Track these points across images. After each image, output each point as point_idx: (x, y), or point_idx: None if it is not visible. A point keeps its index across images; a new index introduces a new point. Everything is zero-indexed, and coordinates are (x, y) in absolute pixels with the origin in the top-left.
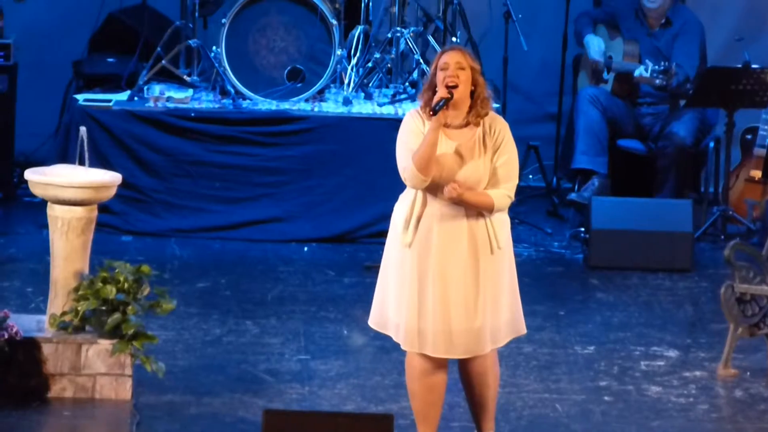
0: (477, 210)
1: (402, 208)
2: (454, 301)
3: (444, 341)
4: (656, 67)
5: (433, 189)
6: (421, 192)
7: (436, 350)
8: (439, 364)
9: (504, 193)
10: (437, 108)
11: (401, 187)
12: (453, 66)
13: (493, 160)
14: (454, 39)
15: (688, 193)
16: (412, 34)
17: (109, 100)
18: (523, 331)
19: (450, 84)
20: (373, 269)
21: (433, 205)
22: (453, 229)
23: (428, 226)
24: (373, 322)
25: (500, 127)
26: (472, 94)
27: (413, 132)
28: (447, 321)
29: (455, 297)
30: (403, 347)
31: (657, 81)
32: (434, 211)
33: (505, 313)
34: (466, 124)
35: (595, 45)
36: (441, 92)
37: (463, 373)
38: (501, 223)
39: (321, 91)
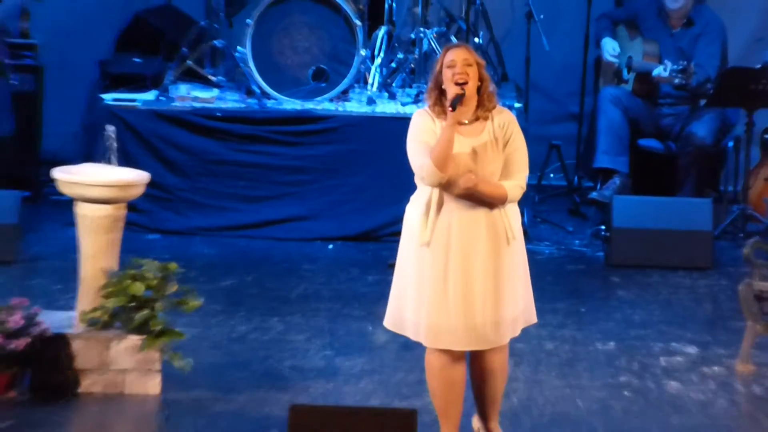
0: (490, 201)
1: (416, 208)
2: (477, 294)
3: (467, 335)
4: (675, 66)
5: (448, 187)
6: (437, 191)
7: (459, 344)
8: (458, 359)
9: (516, 184)
10: (455, 103)
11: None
12: (461, 63)
13: (504, 152)
14: (476, 39)
15: (708, 192)
16: (435, 35)
17: (135, 100)
18: (535, 320)
19: (460, 81)
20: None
21: (450, 203)
22: (471, 224)
23: (446, 223)
24: (389, 323)
25: (508, 121)
26: (478, 90)
27: (426, 130)
28: (470, 315)
29: (478, 290)
30: (425, 344)
31: (676, 80)
32: (451, 208)
33: (520, 302)
34: (476, 119)
35: (609, 47)
36: (454, 89)
37: (478, 367)
38: (515, 215)
39: (345, 91)
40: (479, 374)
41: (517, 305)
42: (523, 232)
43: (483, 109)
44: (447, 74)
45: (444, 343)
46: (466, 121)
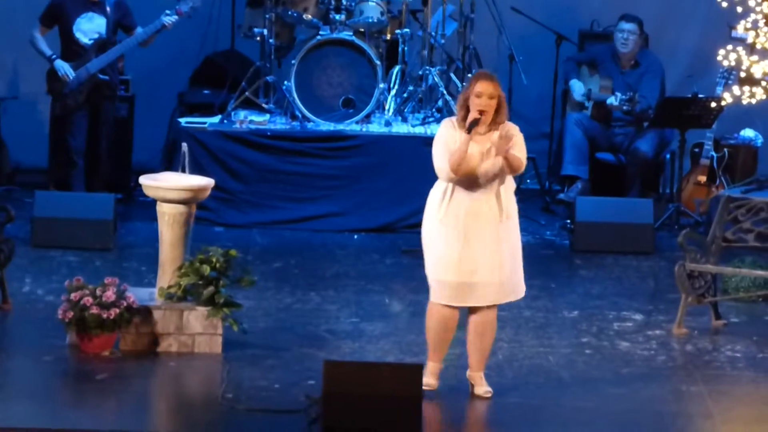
0: (515, 165)
1: (436, 193)
2: (475, 261)
3: (462, 294)
4: (624, 96)
5: (461, 181)
6: (451, 183)
7: (456, 300)
8: (453, 311)
9: (522, 160)
10: (470, 128)
11: (430, 189)
12: (486, 96)
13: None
14: (470, 75)
15: (650, 194)
16: (438, 72)
17: (205, 123)
18: (522, 294)
19: (482, 112)
20: (409, 253)
21: (460, 192)
22: (475, 207)
23: (457, 205)
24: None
25: (510, 127)
26: (496, 111)
27: (449, 137)
28: (468, 277)
29: (477, 258)
30: (435, 300)
31: (624, 107)
32: (462, 196)
33: (509, 272)
34: (489, 131)
35: (577, 89)
36: (474, 114)
37: (471, 323)
38: (510, 200)
39: (368, 116)
40: (471, 327)
41: (504, 274)
42: (517, 223)
43: (494, 124)
44: (474, 101)
45: (444, 299)
46: (481, 131)
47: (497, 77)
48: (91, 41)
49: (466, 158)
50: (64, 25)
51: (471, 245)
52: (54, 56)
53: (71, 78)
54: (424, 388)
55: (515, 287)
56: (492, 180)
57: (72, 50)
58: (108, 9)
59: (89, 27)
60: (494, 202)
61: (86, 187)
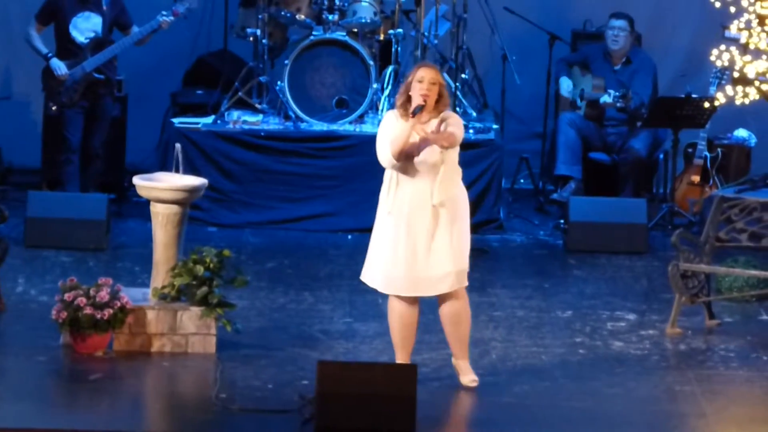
0: (447, 142)
1: (384, 185)
2: (419, 251)
3: (411, 283)
4: (617, 94)
5: (404, 169)
6: (396, 173)
7: (406, 290)
8: (412, 304)
9: (455, 134)
10: (415, 113)
11: None
12: (427, 81)
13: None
14: (463, 75)
15: (643, 194)
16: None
17: (198, 123)
18: (465, 282)
19: (424, 96)
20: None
21: (404, 182)
22: (419, 197)
23: (402, 195)
24: (364, 277)
25: (450, 115)
26: (437, 100)
27: (392, 127)
28: (413, 267)
29: (420, 248)
30: (380, 290)
31: (618, 104)
32: (406, 186)
33: (451, 262)
34: (430, 119)
35: (564, 85)
36: (417, 101)
37: (441, 314)
38: (452, 186)
39: (361, 116)
40: (444, 319)
41: (452, 261)
42: (466, 206)
43: (435, 112)
44: (416, 87)
45: (393, 290)
46: (422, 120)
47: (437, 67)
48: (87, 40)
49: (408, 143)
50: (60, 24)
51: (415, 235)
52: (50, 54)
53: (66, 76)
54: None
55: (464, 273)
56: (432, 167)
57: (68, 48)
58: (104, 7)
59: (85, 25)
60: (437, 189)
61: (80, 184)
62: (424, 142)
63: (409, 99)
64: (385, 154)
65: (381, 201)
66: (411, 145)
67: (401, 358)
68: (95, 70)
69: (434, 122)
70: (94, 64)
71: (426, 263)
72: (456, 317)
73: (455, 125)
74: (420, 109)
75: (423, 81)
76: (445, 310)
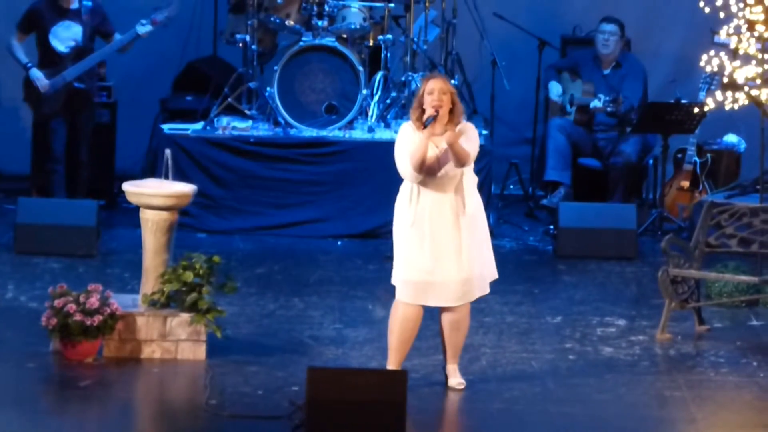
0: (461, 155)
1: (404, 197)
2: (443, 259)
3: (434, 292)
4: (607, 98)
5: (425, 182)
6: (416, 185)
7: (427, 299)
8: (417, 311)
9: (468, 152)
10: (427, 123)
11: None
12: (438, 92)
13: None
14: (452, 81)
15: (633, 199)
16: (421, 78)
17: (188, 129)
18: (496, 275)
19: (436, 106)
20: (392, 259)
21: (425, 193)
22: (440, 208)
23: (423, 207)
24: (396, 282)
25: (468, 127)
26: (451, 110)
27: (409, 139)
28: (437, 275)
29: (444, 256)
30: (400, 298)
31: (608, 108)
32: (426, 198)
33: (477, 268)
34: (446, 131)
35: (554, 90)
36: (429, 111)
37: (443, 319)
38: (471, 196)
39: (350, 122)
40: (445, 324)
41: (468, 272)
42: (483, 215)
43: (451, 123)
44: (427, 99)
45: (409, 298)
46: (438, 132)
47: (447, 78)
48: (68, 49)
49: (427, 155)
50: (40, 33)
51: (435, 245)
52: (30, 64)
53: (45, 86)
54: None
55: (482, 284)
56: (452, 179)
57: (49, 58)
58: (84, 16)
59: (66, 35)
60: (456, 199)
61: (67, 194)
62: (445, 157)
63: (423, 112)
64: (405, 168)
65: (400, 212)
66: (432, 160)
67: (394, 362)
68: (76, 79)
69: (449, 134)
70: (75, 73)
71: (452, 272)
72: (457, 323)
73: (471, 140)
74: (432, 119)
75: (433, 92)
76: (448, 316)
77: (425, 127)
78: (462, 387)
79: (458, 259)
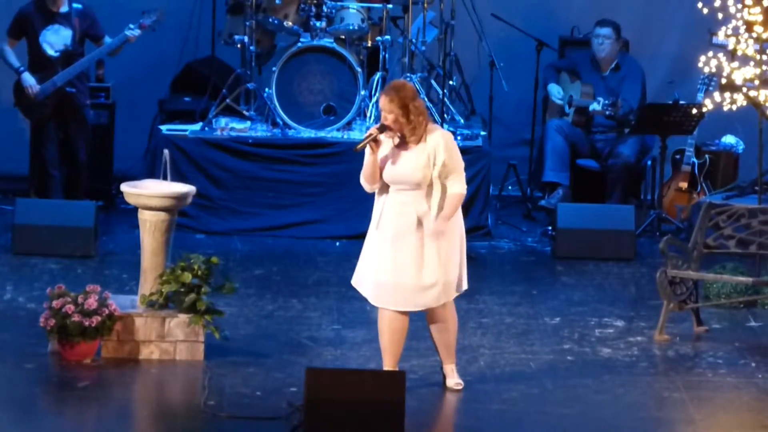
0: (457, 210)
1: (376, 202)
2: (406, 265)
3: (400, 297)
4: (606, 102)
5: (386, 188)
6: (381, 191)
7: (395, 304)
8: (402, 312)
9: (458, 180)
10: (362, 147)
11: None
12: (384, 111)
13: (436, 162)
14: (451, 82)
15: (631, 200)
16: (419, 79)
17: (186, 130)
18: (452, 295)
19: (378, 127)
20: None
21: (390, 198)
22: (404, 217)
23: (389, 211)
24: (355, 283)
25: (435, 138)
26: (408, 121)
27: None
28: (400, 281)
29: (406, 262)
30: (372, 303)
31: (607, 112)
32: (392, 202)
33: (440, 276)
34: (412, 142)
35: (555, 92)
36: (371, 130)
37: (427, 321)
38: (439, 202)
39: (349, 123)
40: (430, 326)
41: (432, 276)
42: (458, 225)
43: (412, 137)
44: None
45: (382, 302)
46: (398, 143)
47: (395, 92)
48: (58, 53)
49: (373, 169)
50: (30, 37)
51: (402, 250)
52: (22, 69)
53: (36, 91)
54: None
55: (451, 286)
56: (416, 185)
57: (39, 62)
58: (74, 20)
59: (55, 39)
60: (421, 208)
61: (65, 196)
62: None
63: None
64: (361, 180)
65: (372, 217)
66: (373, 166)
67: (389, 364)
68: (67, 84)
69: (414, 147)
70: (65, 77)
71: (412, 277)
72: (442, 324)
73: (451, 157)
74: (373, 139)
75: (383, 111)
76: (431, 318)
77: (362, 147)
78: (460, 387)
79: (417, 267)
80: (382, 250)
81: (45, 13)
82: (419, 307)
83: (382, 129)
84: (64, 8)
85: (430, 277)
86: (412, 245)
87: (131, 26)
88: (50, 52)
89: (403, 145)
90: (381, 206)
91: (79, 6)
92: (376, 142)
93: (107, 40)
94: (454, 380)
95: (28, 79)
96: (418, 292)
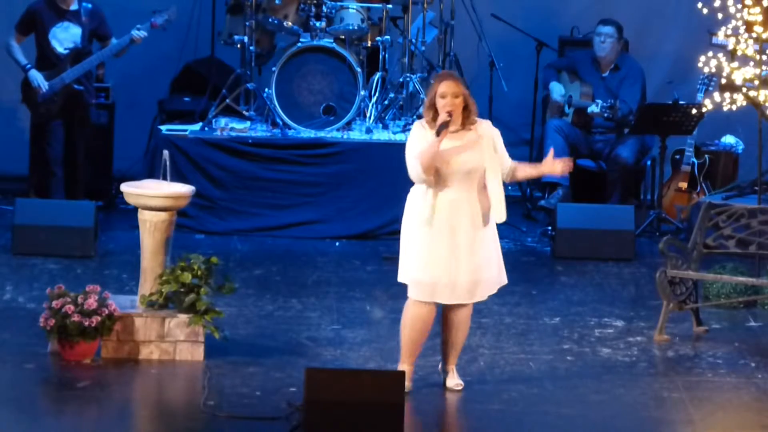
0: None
1: (417, 195)
2: (455, 258)
3: (445, 291)
4: (605, 104)
5: (440, 180)
6: (431, 184)
7: (440, 297)
8: (430, 310)
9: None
10: (440, 130)
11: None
12: (450, 95)
13: (496, 148)
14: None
15: (630, 200)
16: (418, 79)
17: (186, 130)
18: (505, 281)
19: (448, 112)
20: (390, 260)
21: (439, 194)
22: (456, 209)
23: (436, 205)
24: (403, 279)
25: (487, 128)
26: (465, 109)
27: (421, 138)
28: (449, 274)
29: (456, 255)
30: (421, 298)
31: (605, 114)
32: (445, 196)
33: (493, 269)
34: (462, 128)
35: (557, 90)
36: (442, 117)
37: (447, 319)
38: (487, 205)
39: (348, 123)
40: (448, 325)
41: (481, 272)
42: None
43: (467, 122)
44: (440, 102)
45: (421, 296)
46: (452, 130)
47: (459, 76)
48: (67, 51)
49: (437, 158)
50: (39, 34)
51: (448, 244)
52: (28, 66)
53: (44, 89)
54: None
55: (491, 284)
56: (467, 174)
57: (47, 59)
58: (83, 18)
59: (64, 36)
60: (474, 200)
61: (66, 196)
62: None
63: (436, 113)
64: (413, 169)
65: (413, 210)
66: (442, 154)
67: (405, 360)
68: (74, 81)
69: (466, 135)
70: (74, 75)
71: (463, 273)
72: (460, 323)
73: (501, 142)
74: (444, 126)
75: (446, 96)
76: (452, 316)
77: (438, 133)
78: (460, 388)
79: (471, 260)
80: (437, 245)
81: (55, 10)
82: (468, 300)
83: (450, 115)
84: (74, 6)
85: (480, 271)
86: (465, 239)
87: (138, 27)
88: (59, 49)
89: (454, 136)
90: (427, 200)
91: (89, 5)
92: (446, 128)
93: (113, 41)
94: (454, 381)
95: (36, 77)
96: (470, 286)
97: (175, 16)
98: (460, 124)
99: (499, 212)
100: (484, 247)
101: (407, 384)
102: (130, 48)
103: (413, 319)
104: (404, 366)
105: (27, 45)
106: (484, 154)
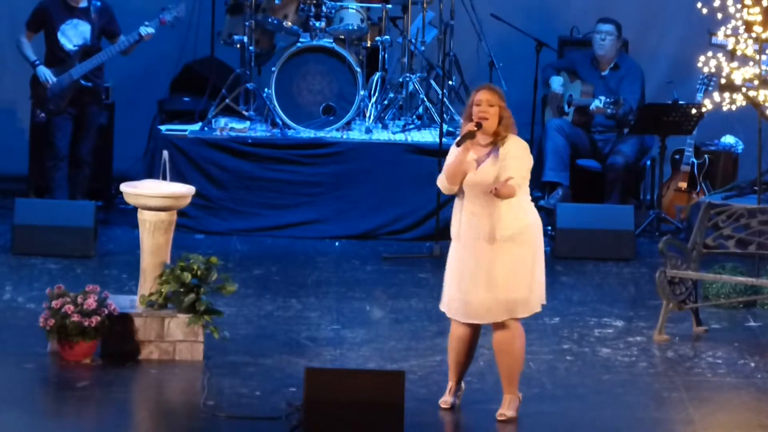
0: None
1: (453, 209)
2: (476, 276)
3: (468, 310)
4: (608, 99)
5: (465, 196)
6: (461, 196)
7: (461, 315)
8: (470, 330)
9: (512, 181)
10: (463, 140)
11: (411, 196)
12: (485, 103)
13: (504, 159)
14: (450, 82)
15: (630, 200)
16: (418, 79)
17: (185, 130)
18: (538, 309)
19: (480, 118)
20: (389, 260)
21: (468, 207)
22: (478, 222)
23: (465, 221)
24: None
25: (511, 142)
26: (500, 122)
27: (453, 152)
28: (467, 293)
29: (477, 273)
30: (447, 314)
31: (608, 110)
32: (468, 211)
33: (519, 291)
34: (491, 143)
35: (557, 82)
36: (470, 126)
37: (493, 343)
38: (507, 220)
39: (348, 123)
40: (495, 348)
41: (500, 291)
42: (533, 235)
43: (498, 137)
44: (474, 110)
45: (451, 314)
46: (484, 143)
47: (498, 88)
48: (76, 47)
49: (462, 168)
50: (48, 31)
51: (470, 261)
52: (37, 62)
53: (52, 84)
54: (440, 404)
55: (516, 305)
56: (488, 194)
57: (56, 56)
58: (93, 15)
59: (74, 33)
60: (495, 218)
61: (68, 192)
62: (469, 164)
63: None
64: (439, 176)
65: (451, 225)
66: (467, 165)
67: (450, 378)
68: (83, 77)
69: (494, 150)
70: (82, 71)
71: (479, 290)
72: (500, 346)
73: (517, 157)
74: (470, 136)
75: (480, 104)
76: (494, 338)
77: (458, 145)
78: (502, 419)
79: (487, 278)
80: (460, 261)
81: (64, 8)
82: (482, 321)
83: (479, 126)
84: (83, 3)
85: (493, 295)
86: (482, 256)
87: (147, 23)
88: (68, 46)
89: (481, 150)
90: (459, 214)
91: (98, 2)
92: (472, 138)
93: (122, 38)
94: (501, 410)
95: (44, 73)
96: (489, 304)
97: (183, 13)
98: (491, 134)
99: (498, 230)
100: (506, 265)
101: (448, 399)
102: (136, 48)
103: (449, 337)
104: (450, 382)
105: (37, 42)
106: (501, 171)
